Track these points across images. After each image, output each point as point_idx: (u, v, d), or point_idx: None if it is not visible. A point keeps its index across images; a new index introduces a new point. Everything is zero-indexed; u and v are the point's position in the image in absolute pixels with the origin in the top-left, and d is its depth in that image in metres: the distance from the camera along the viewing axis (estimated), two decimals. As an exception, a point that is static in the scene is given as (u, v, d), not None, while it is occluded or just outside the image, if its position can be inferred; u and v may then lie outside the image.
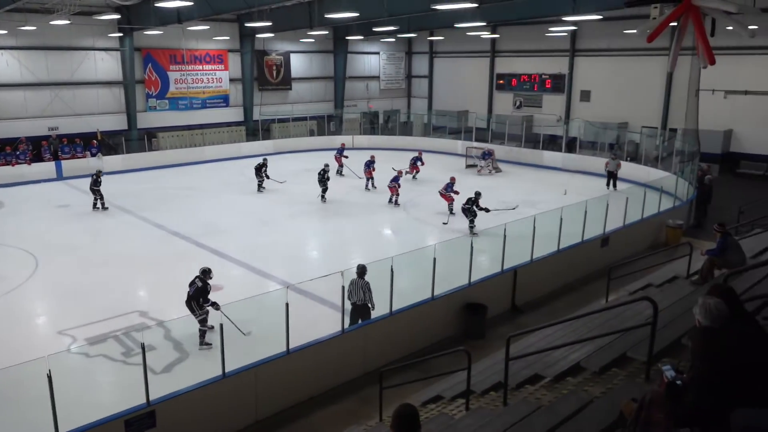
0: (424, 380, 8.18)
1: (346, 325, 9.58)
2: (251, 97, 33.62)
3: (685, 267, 10.41)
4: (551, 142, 30.04)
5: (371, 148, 31.06)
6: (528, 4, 22.67)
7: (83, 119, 27.63)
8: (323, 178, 20.27)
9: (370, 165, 22.15)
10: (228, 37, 31.59)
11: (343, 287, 9.43)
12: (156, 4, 19.84)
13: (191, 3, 18.61)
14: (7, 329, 10.96)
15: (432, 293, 10.61)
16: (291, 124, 33.48)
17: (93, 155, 25.66)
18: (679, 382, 3.38)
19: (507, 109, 35.55)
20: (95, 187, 19.28)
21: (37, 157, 24.84)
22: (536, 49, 33.91)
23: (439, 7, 18.48)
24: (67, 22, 21.64)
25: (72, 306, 11.91)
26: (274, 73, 35.08)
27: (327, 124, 34.27)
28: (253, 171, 22.40)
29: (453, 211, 17.90)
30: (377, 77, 40.84)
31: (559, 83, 33.46)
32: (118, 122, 29.05)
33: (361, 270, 9.88)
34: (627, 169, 24.19)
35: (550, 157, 27.40)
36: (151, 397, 7.41)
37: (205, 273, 10.10)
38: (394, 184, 19.74)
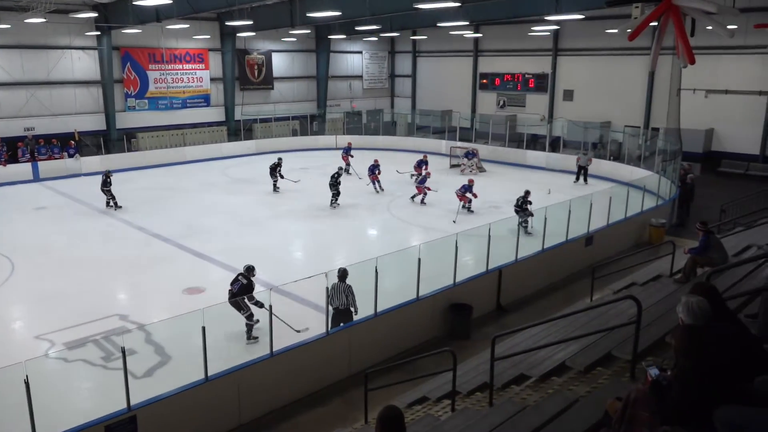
0: (409, 381, 8.18)
1: (330, 327, 9.56)
2: (233, 96, 33.43)
3: (668, 265, 10.55)
4: (535, 142, 30.25)
5: (356, 148, 31.10)
6: (510, 3, 22.85)
7: (60, 119, 27.28)
8: (335, 183, 19.48)
9: (374, 169, 21.72)
10: (208, 36, 31.38)
11: (327, 288, 9.41)
12: (134, 2, 19.64)
13: (170, 1, 18.45)
14: (-17, 335, 10.77)
15: (417, 294, 10.63)
16: (273, 124, 33.34)
17: (70, 156, 25.33)
18: (663, 380, 3.42)
19: (491, 109, 35.74)
20: (105, 187, 19.30)
21: (13, 159, 24.47)
22: (519, 48, 34.13)
23: (421, 6, 18.54)
24: (43, 20, 21.36)
25: (50, 310, 11.74)
26: (256, 72, 34.92)
27: (310, 124, 34.19)
28: (268, 171, 22.25)
29: (471, 209, 18.46)
30: (360, 77, 40.83)
31: (543, 83, 33.72)
32: (96, 122, 28.72)
33: (343, 273, 9.81)
34: (610, 168, 24.48)
35: (533, 156, 27.59)
36: (132, 402, 7.34)
37: (249, 270, 10.31)
38: (422, 185, 20.09)
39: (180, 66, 31.45)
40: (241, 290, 10.01)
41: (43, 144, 25.44)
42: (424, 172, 20.78)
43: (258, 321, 10.03)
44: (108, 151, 26.90)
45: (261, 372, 8.64)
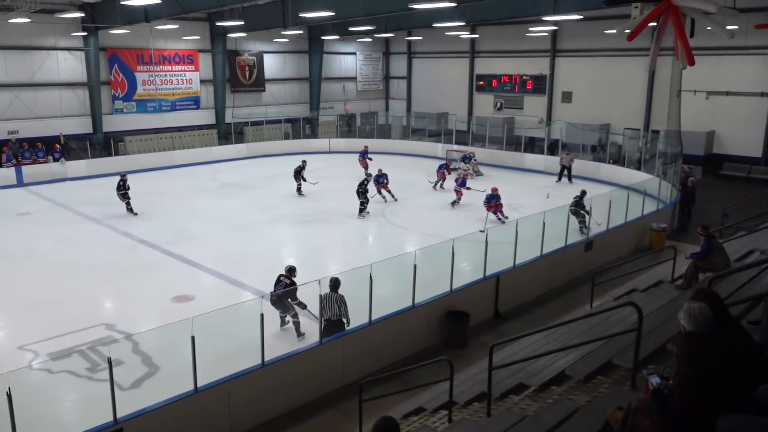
0: (405, 392, 8.16)
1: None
2: (223, 98, 33.40)
3: (669, 271, 10.57)
4: (533, 145, 30.34)
5: (350, 152, 31.15)
6: (507, 3, 22.94)
7: (45, 122, 27.17)
8: (364, 190, 19.05)
9: (380, 179, 20.92)
10: (198, 37, 31.36)
11: (321, 296, 9.39)
12: (122, 2, 19.65)
13: (159, 1, 18.42)
14: (-36, 345, 10.69)
15: (413, 301, 10.61)
16: (265, 127, 33.33)
17: (56, 160, 25.25)
18: (665, 389, 3.42)
19: (487, 111, 35.85)
20: (121, 191, 19.14)
21: (-4, 163, 24.37)
22: (516, 49, 34.27)
23: (416, 6, 18.56)
24: (28, 20, 21.31)
25: (33, 319, 11.67)
26: (247, 74, 34.92)
27: (302, 126, 34.19)
28: (292, 174, 22.26)
29: (504, 219, 17.61)
30: (354, 78, 40.89)
31: (541, 84, 33.86)
32: (82, 125, 28.62)
33: (335, 283, 9.77)
34: (610, 171, 24.57)
35: (531, 159, 27.67)
36: (119, 415, 7.29)
37: (291, 270, 10.75)
38: (461, 188, 20.35)
39: (169, 67, 31.42)
40: (286, 291, 10.38)
41: (28, 148, 25.34)
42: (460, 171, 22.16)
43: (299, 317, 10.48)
44: (95, 155, 26.82)
45: (252, 383, 8.60)
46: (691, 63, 9.94)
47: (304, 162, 22.67)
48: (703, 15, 9.82)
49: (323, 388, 9.38)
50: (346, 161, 27.62)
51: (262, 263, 14.93)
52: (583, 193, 17.13)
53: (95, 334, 10.90)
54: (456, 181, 20.60)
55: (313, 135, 34.73)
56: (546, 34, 31.88)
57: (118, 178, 19.68)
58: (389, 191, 21.13)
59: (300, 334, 10.53)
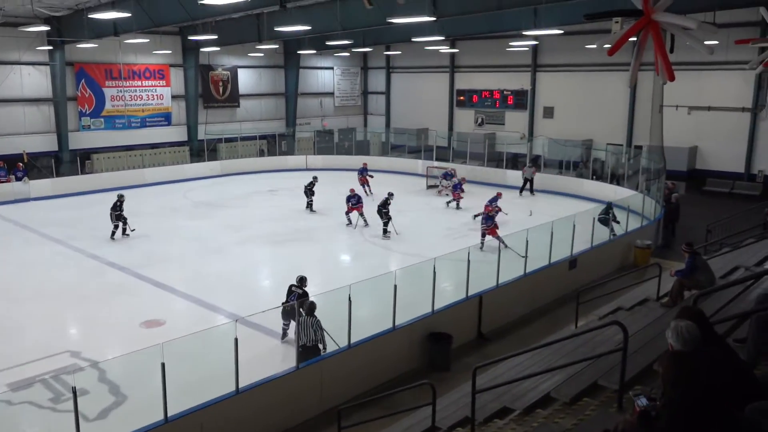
0: (386, 417, 8.10)
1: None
2: (195, 114, 33.29)
3: (654, 288, 10.70)
4: (515, 161, 30.65)
5: (327, 169, 31.17)
6: (487, 18, 23.31)
7: (7, 140, 26.80)
8: (386, 211, 18.95)
9: (352, 200, 20.17)
10: (170, 51, 31.29)
11: (299, 318, 9.31)
12: (90, 16, 19.60)
13: (129, 14, 18.44)
14: None
15: (393, 323, 10.58)
16: (239, 144, 33.25)
17: (18, 179, 24.84)
18: (652, 410, 3.44)
19: (468, 127, 36.20)
20: (116, 211, 18.57)
21: (-45, 182, 23.93)
22: (497, 64, 34.76)
23: (395, 20, 18.77)
24: (-10, 34, 21.09)
25: (-7, 347, 11.40)
26: (221, 89, 34.89)
27: (278, 143, 34.17)
28: (303, 191, 22.37)
29: (506, 244, 15.27)
30: (331, 93, 41.07)
31: (522, 99, 34.33)
32: (47, 143, 28.29)
33: (310, 307, 9.71)
34: (593, 188, 24.88)
35: (513, 176, 27.89)
36: (84, 448, 7.12)
37: (302, 281, 11.17)
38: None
39: (139, 83, 31.28)
40: (300, 300, 10.52)
41: (-11, 166, 24.95)
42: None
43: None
44: (60, 174, 26.47)
45: (226, 410, 8.47)
46: (671, 78, 10.19)
47: (315, 178, 22.84)
48: (682, 31, 10.08)
49: (300, 415, 9.28)
50: (324, 179, 27.59)
51: (237, 285, 14.82)
52: (610, 205, 17.79)
53: (59, 363, 10.66)
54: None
55: (290, 152, 34.71)
56: (527, 48, 32.38)
57: (113, 198, 19.03)
58: (362, 214, 20.08)
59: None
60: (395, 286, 10.28)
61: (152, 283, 14.85)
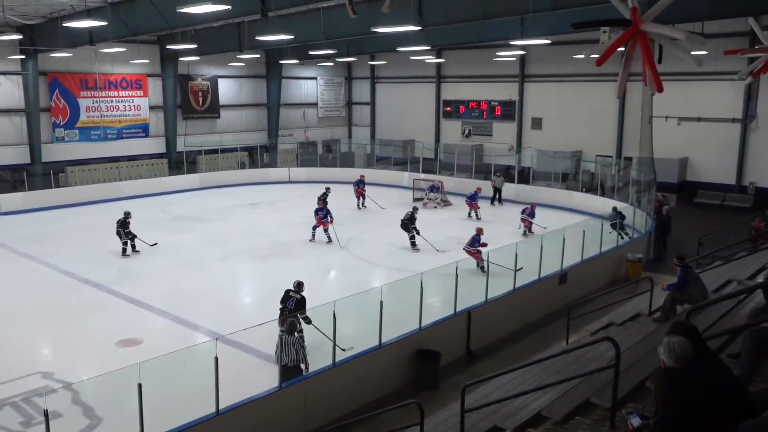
0: (372, 438, 8.06)
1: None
2: (174, 126, 33.18)
3: (646, 303, 10.78)
4: (508, 173, 30.83)
5: (311, 181, 31.16)
6: (474, 27, 23.52)
7: (-23, 152, 26.57)
8: (413, 226, 19.10)
9: (320, 213, 19.96)
10: (147, 61, 31.22)
11: (281, 337, 9.26)
12: (65, 24, 19.52)
13: (105, 23, 18.39)
14: None
15: (379, 340, 10.55)
16: (220, 156, 33.16)
17: (-12, 193, 24.59)
18: (644, 428, 3.46)
19: (455, 138, 36.39)
20: (124, 228, 18.38)
21: None
22: (484, 74, 35.05)
23: (379, 29, 18.89)
24: (-40, 42, 20.93)
25: (-40, 369, 11.20)
26: (200, 99, 34.84)
27: (260, 155, 34.11)
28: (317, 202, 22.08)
29: (485, 269, 14.98)
30: (315, 104, 41.14)
31: (510, 110, 34.60)
32: (18, 155, 28.02)
33: (291, 326, 9.65)
34: (583, 200, 25.09)
35: (503, 188, 28.03)
36: (56, 474, 7.00)
37: (300, 285, 11.46)
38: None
39: (115, 93, 31.15)
40: (298, 305, 11.07)
41: (-43, 180, 24.67)
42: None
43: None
44: (32, 187, 26.20)
45: (205, 433, 8.38)
46: (660, 89, 10.32)
47: (327, 189, 23.07)
48: (670, 41, 10.25)
49: (284, 438, 9.19)
50: (307, 191, 27.58)
51: (217, 302, 14.72)
52: (615, 211, 18.85)
53: (30, 384, 10.50)
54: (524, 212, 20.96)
55: (272, 164, 34.66)
56: (514, 58, 32.72)
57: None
58: (326, 230, 19.77)
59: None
60: (381, 302, 10.26)
61: (129, 300, 14.71)
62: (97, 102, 30.41)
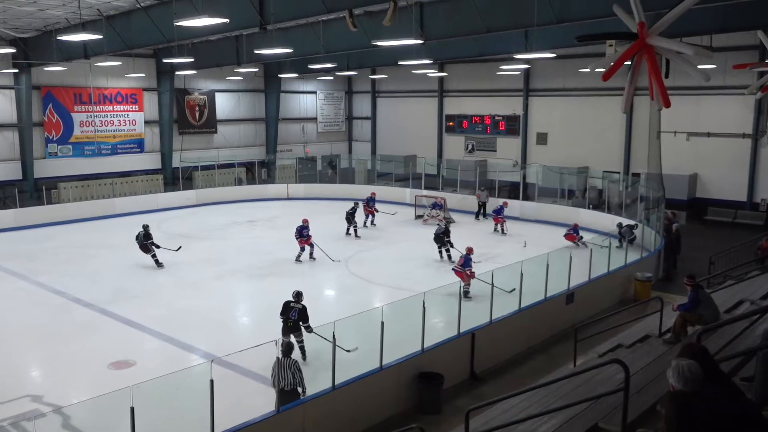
0: (373, 465, 8.01)
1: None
2: (170, 141, 33.34)
3: (656, 324, 10.74)
4: (508, 190, 30.88)
5: (310, 198, 31.24)
6: (477, 41, 23.68)
7: (-33, 168, 26.70)
8: (448, 239, 19.75)
9: (303, 231, 19.79)
10: (143, 75, 31.45)
11: (278, 358, 9.23)
12: (59, 37, 19.68)
13: (100, 36, 18.55)
14: None
15: (380, 362, 10.50)
16: (216, 172, 33.25)
17: (-22, 210, 24.66)
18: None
19: (458, 154, 36.50)
20: (148, 240, 19.00)
21: None
22: (488, 88, 35.24)
23: (380, 43, 19.05)
24: (-49, 56, 21.10)
25: (-53, 392, 11.16)
26: (197, 114, 35.02)
27: (258, 171, 34.20)
28: (345, 217, 23.28)
29: (468, 294, 15.28)
30: (314, 119, 41.35)
31: (514, 125, 34.73)
32: (10, 171, 28.15)
33: (287, 347, 9.61)
34: (590, 217, 25.09)
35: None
36: (45, 502, 6.94)
37: (299, 295, 11.99)
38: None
39: (110, 107, 31.35)
40: (301, 315, 11.74)
41: (-53, 196, 24.76)
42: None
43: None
44: (24, 204, 26.27)
45: (200, 459, 8.32)
46: (667, 104, 10.36)
47: (356, 203, 23.58)
48: (677, 56, 10.32)
49: (281, 464, 9.13)
50: (306, 208, 27.63)
51: (213, 323, 14.69)
52: (621, 225, 20.24)
53: (19, 408, 10.44)
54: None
55: (270, 180, 34.75)
56: (518, 72, 32.91)
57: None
58: (302, 248, 19.69)
59: (305, 358, 11.77)
60: (382, 323, 10.23)
61: (122, 321, 14.67)
62: (91, 116, 30.59)
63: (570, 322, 13.92)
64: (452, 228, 23.86)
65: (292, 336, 11.72)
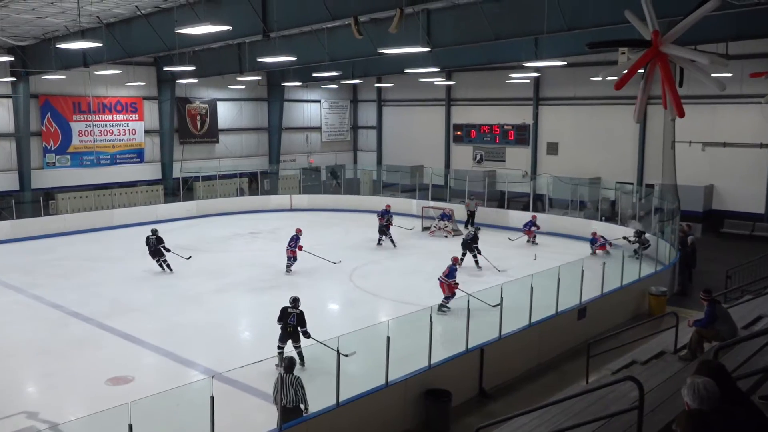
0: (378, 485, 7.97)
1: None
2: (171, 151, 33.49)
3: (671, 340, 10.69)
4: (518, 201, 30.86)
5: (313, 209, 31.28)
6: (485, 48, 23.78)
7: (-36, 178, 26.88)
8: (476, 245, 20.56)
9: (296, 241, 20.00)
10: (143, 83, 31.68)
11: (280, 375, 9.22)
12: (58, 45, 19.87)
13: (100, 44, 18.70)
14: None
15: (386, 379, 10.48)
16: (218, 183, 33.35)
17: (-25, 221, 24.79)
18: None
19: (466, 164, 36.54)
20: (160, 244, 19.91)
21: None
22: (496, 97, 35.32)
23: (386, 51, 19.13)
24: (-52, 64, 21.31)
25: (-60, 408, 11.18)
26: (198, 123, 35.21)
27: (260, 182, 34.31)
28: (378, 228, 23.83)
29: (448, 307, 15.70)
30: (318, 128, 41.51)
31: (524, 135, 34.76)
32: (7, 181, 28.33)
33: (290, 363, 9.60)
34: (602, 229, 24.99)
35: (516, 217, 28.06)
36: None
37: (296, 301, 12.51)
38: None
39: (109, 116, 31.55)
40: (299, 321, 12.23)
41: (-58, 207, 24.91)
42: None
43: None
44: (20, 215, 26.38)
45: (200, 479, 8.30)
46: (681, 114, 10.33)
47: (391, 215, 24.48)
48: (691, 64, 10.31)
49: (283, 484, 9.09)
50: (309, 220, 27.67)
51: (213, 338, 14.69)
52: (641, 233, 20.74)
53: (13, 425, 10.45)
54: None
55: (273, 191, 34.83)
56: (528, 81, 32.98)
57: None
58: (289, 258, 19.94)
59: (303, 363, 11.85)
60: (388, 338, 10.22)
61: (120, 335, 14.68)
62: (90, 126, 30.79)
63: (582, 337, 13.86)
64: (459, 240, 23.87)
65: (290, 342, 12.38)
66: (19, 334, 14.83)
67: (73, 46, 19.56)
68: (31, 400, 11.89)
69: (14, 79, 27.26)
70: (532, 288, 13.38)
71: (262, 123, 38.24)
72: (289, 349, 12.23)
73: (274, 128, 38.18)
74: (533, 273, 14.10)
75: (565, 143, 33.30)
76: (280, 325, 12.47)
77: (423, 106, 39.08)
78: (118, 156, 32.06)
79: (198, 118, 35.14)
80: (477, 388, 12.23)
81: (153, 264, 21.00)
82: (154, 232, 20.23)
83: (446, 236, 25.87)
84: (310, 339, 11.96)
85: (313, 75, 30.77)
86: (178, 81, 31.77)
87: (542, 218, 27.27)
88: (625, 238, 21.62)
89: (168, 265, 20.00)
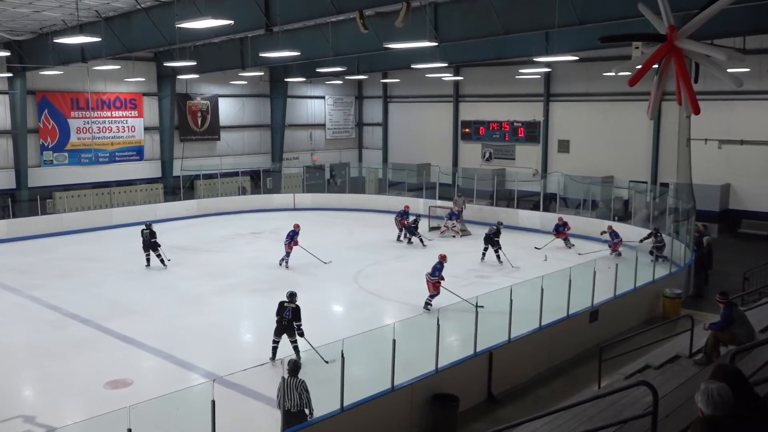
0: (383, 492, 7.98)
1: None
2: (171, 148, 33.56)
3: (686, 344, 10.67)
4: (528, 200, 30.81)
5: (317, 208, 31.29)
6: (494, 43, 23.74)
7: (-40, 176, 27.01)
8: (497, 240, 21.25)
9: (294, 236, 20.55)
10: (143, 79, 31.74)
11: (283, 378, 9.24)
12: (56, 40, 19.94)
13: (98, 39, 18.75)
14: None
15: (392, 383, 10.48)
16: (219, 181, 33.42)
17: (-30, 220, 24.92)
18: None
19: (475, 162, 36.52)
20: (153, 238, 20.53)
21: None
22: (506, 93, 35.28)
23: (392, 45, 19.13)
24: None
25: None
26: (199, 120, 35.27)
27: (263, 180, 34.35)
28: (407, 230, 24.23)
29: (431, 305, 16.10)
30: (322, 125, 41.53)
31: (534, 132, 34.70)
32: (4, 180, 28.44)
33: (294, 366, 9.61)
34: (615, 229, 24.96)
35: (526, 216, 28.04)
36: None
37: (293, 296, 12.91)
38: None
39: (108, 113, 31.64)
40: (295, 315, 12.65)
41: (-63, 206, 25.05)
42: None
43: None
44: (17, 215, 26.51)
45: (200, 485, 8.33)
46: (696, 111, 10.30)
47: (418, 217, 25.10)
48: (707, 60, 10.27)
49: (286, 491, 9.11)
50: (313, 219, 27.70)
51: (214, 340, 14.73)
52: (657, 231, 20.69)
53: (11, 429, 10.51)
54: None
55: (276, 189, 34.88)
56: (538, 76, 32.91)
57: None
58: (286, 256, 20.62)
59: (299, 358, 11.71)
60: (394, 341, 10.22)
61: (119, 338, 14.74)
62: (88, 123, 30.88)
63: (594, 341, 13.83)
64: (469, 239, 23.90)
65: (285, 336, 12.80)
66: (17, 336, 14.90)
67: (71, 40, 19.61)
68: (28, 403, 11.92)
69: (11, 75, 27.36)
70: (542, 289, 13.37)
71: (265, 120, 38.30)
72: (289, 350, 12.25)
73: (277, 125, 38.22)
74: (544, 274, 14.09)
75: (576, 141, 33.23)
76: (276, 319, 12.90)
77: (430, 102, 39.07)
78: (117, 154, 32.15)
79: (199, 114, 35.21)
80: (485, 392, 12.22)
81: (153, 264, 21.09)
82: (148, 225, 20.70)
83: (454, 236, 25.86)
84: (306, 345, 12.23)
85: (317, 70, 30.80)
86: (178, 76, 31.83)
87: (553, 218, 27.24)
88: (642, 240, 21.34)
89: (162, 260, 20.50)
